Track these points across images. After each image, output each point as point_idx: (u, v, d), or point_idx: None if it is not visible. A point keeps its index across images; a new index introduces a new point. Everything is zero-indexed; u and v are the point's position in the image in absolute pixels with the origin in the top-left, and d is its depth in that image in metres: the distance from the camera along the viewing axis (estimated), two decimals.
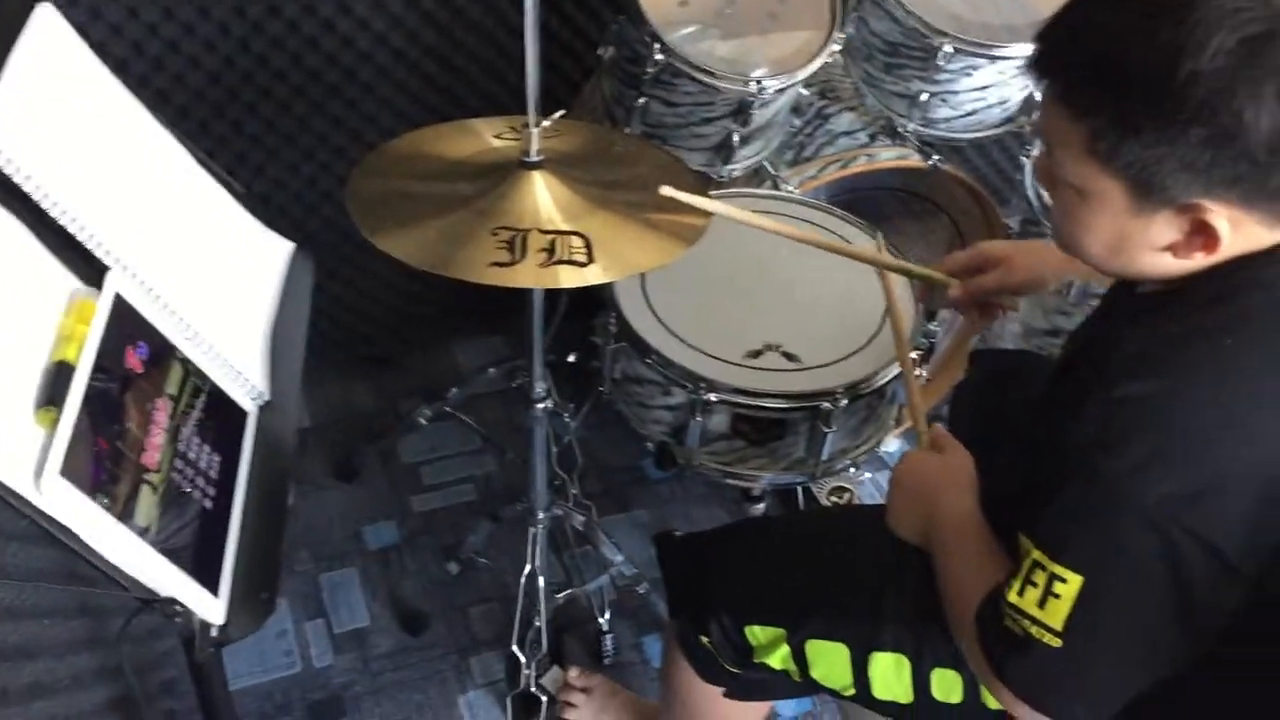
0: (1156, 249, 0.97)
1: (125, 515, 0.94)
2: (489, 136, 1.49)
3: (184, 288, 1.16)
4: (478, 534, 1.95)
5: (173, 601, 0.97)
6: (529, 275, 1.28)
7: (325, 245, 2.19)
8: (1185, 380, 0.93)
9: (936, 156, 2.00)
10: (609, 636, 1.92)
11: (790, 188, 1.94)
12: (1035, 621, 0.97)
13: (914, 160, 1.99)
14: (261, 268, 1.33)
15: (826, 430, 1.57)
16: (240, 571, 1.04)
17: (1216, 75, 0.86)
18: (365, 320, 2.36)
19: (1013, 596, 0.98)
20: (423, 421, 2.17)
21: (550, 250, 1.31)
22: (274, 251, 1.36)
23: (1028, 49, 1.81)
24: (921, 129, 2.00)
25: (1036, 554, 0.97)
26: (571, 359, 2.11)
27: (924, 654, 1.25)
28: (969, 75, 1.90)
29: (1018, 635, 0.98)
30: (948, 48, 1.84)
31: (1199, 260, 0.96)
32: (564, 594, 1.84)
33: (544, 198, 1.36)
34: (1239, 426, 0.92)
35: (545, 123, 1.39)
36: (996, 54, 1.86)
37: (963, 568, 1.13)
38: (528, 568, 1.74)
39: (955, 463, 1.25)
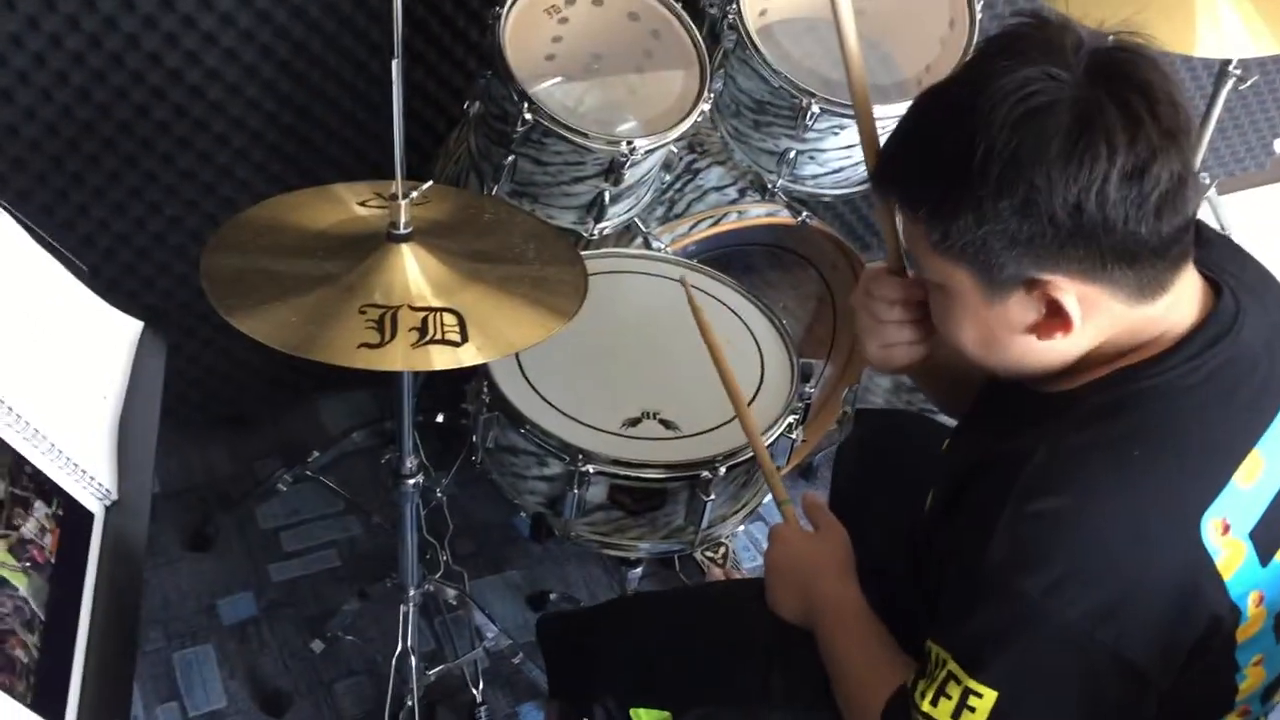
0: (1020, 332, 0.98)
1: None
2: (353, 204, 1.43)
3: (19, 380, 1.06)
4: (344, 612, 1.86)
5: None
6: (400, 357, 1.22)
7: (178, 303, 2.08)
8: (1096, 494, 0.93)
9: (806, 213, 2.01)
10: (483, 708, 1.86)
11: (662, 245, 1.92)
12: None
13: (784, 217, 2.00)
14: (107, 352, 1.23)
15: (706, 499, 1.54)
16: (87, 701, 0.95)
17: (1005, 148, 0.89)
18: (220, 379, 2.24)
19: (926, 706, 0.98)
20: (282, 487, 2.07)
21: (422, 329, 1.25)
22: (121, 333, 1.27)
23: (892, 110, 1.85)
24: (790, 185, 2.01)
25: (952, 666, 0.96)
26: (440, 419, 2.05)
27: None
28: (835, 134, 1.92)
29: None
30: (815, 108, 1.85)
31: (1062, 342, 0.97)
32: (437, 670, 1.77)
33: (414, 272, 1.30)
34: (1149, 539, 0.93)
35: (414, 194, 1.33)
36: None
37: (855, 661, 1.13)
38: (399, 647, 1.66)
39: (829, 545, 1.26)
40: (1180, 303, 0.98)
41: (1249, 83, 2.06)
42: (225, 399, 2.28)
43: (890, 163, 1.03)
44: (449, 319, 1.27)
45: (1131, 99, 0.90)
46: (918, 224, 0.98)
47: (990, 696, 0.94)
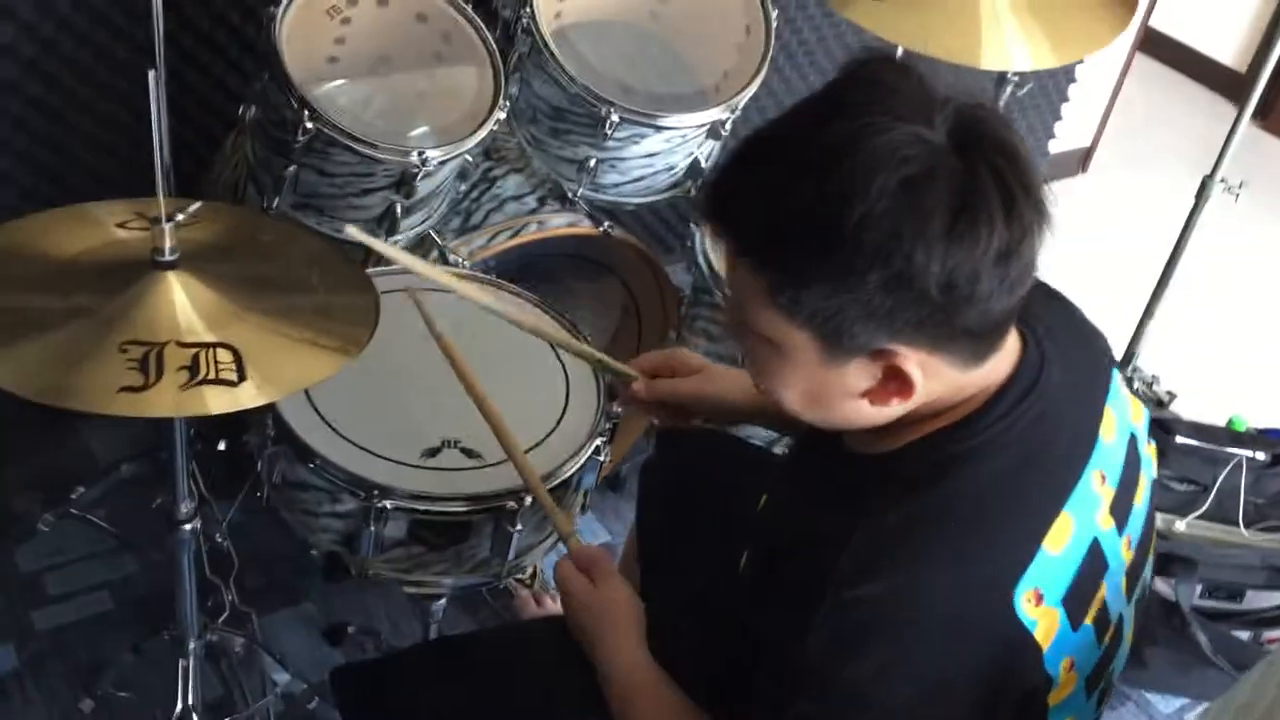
0: (853, 396, 0.94)
1: None
2: (110, 225, 1.28)
3: None
4: (117, 666, 1.70)
5: None
6: (167, 401, 1.11)
7: None
8: (912, 578, 0.91)
9: (608, 223, 1.96)
10: None
11: (459, 259, 1.83)
12: None
13: (586, 227, 1.94)
14: None
15: (513, 530, 1.47)
16: None
17: (883, 218, 0.84)
18: None
19: None
20: (44, 528, 1.89)
21: (193, 368, 1.13)
22: None
23: (693, 119, 1.82)
24: (591, 194, 1.96)
25: None
26: (221, 447, 1.90)
27: None
28: (636, 143, 1.87)
29: None
30: (614, 116, 1.80)
31: (895, 406, 0.94)
32: None
33: (183, 303, 1.18)
34: (967, 619, 0.91)
35: (180, 216, 1.21)
36: (662, 124, 1.84)
37: None
38: (179, 706, 1.53)
39: (611, 597, 1.19)
40: (998, 360, 0.96)
41: (1025, 89, 2.13)
42: None
43: (731, 205, 0.93)
44: (223, 355, 1.15)
45: (1004, 171, 0.86)
46: (757, 278, 0.91)
47: None
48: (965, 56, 1.79)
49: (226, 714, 1.69)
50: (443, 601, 1.70)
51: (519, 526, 1.48)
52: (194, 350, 1.14)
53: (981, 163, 0.86)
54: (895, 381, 0.92)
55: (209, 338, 1.16)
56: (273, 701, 1.72)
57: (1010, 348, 0.97)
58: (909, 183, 0.84)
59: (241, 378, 1.14)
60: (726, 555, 1.19)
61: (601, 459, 1.60)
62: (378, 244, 1.36)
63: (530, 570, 2.03)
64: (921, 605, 0.90)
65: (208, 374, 1.13)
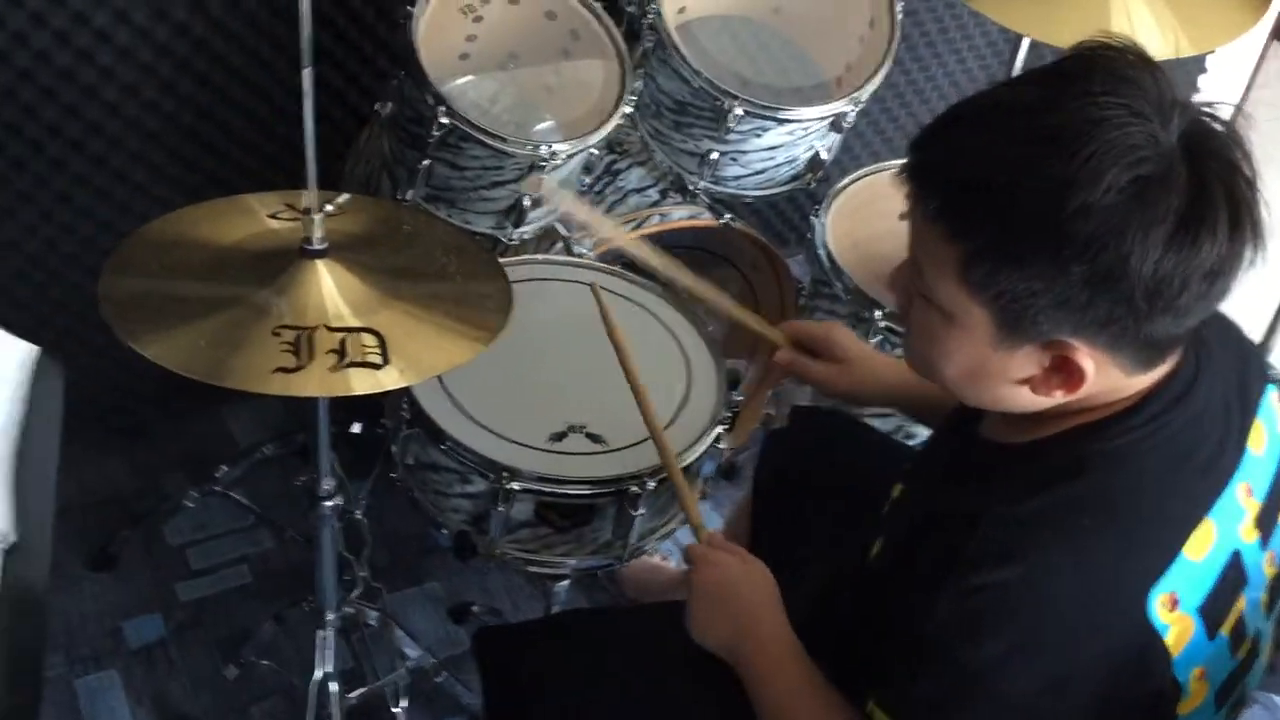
0: (1013, 381, 0.94)
1: None
2: (263, 215, 1.36)
3: None
4: (258, 636, 1.79)
5: None
6: (317, 382, 1.17)
7: (70, 311, 1.98)
8: (1044, 568, 0.90)
9: (728, 215, 1.98)
10: None
11: (584, 250, 1.88)
12: None
13: (706, 219, 1.97)
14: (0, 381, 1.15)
15: (634, 513, 1.51)
16: None
17: (1107, 213, 0.83)
18: (119, 389, 2.14)
19: None
20: (189, 504, 1.99)
21: (341, 351, 1.19)
22: (14, 360, 1.18)
23: (815, 111, 1.82)
24: (711, 186, 1.98)
25: None
26: (356, 429, 1.98)
27: None
28: (758, 136, 1.89)
29: None
30: (738, 109, 1.82)
31: (1055, 397, 0.93)
32: (358, 693, 1.71)
33: (331, 290, 1.25)
34: (1097, 616, 0.91)
35: (329, 207, 1.27)
36: (784, 116, 1.86)
37: (790, 705, 1.10)
38: (318, 673, 1.60)
39: (757, 575, 1.20)
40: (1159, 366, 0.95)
41: None
42: (125, 410, 2.18)
43: (941, 167, 0.90)
44: (368, 340, 1.21)
45: (1234, 187, 0.85)
46: (952, 246, 0.89)
47: None
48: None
49: (357, 685, 1.76)
50: (566, 582, 1.74)
51: (641, 510, 1.52)
52: (341, 335, 1.21)
53: (1212, 174, 0.85)
54: (1062, 374, 0.92)
55: (355, 323, 1.23)
56: (402, 675, 1.79)
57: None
58: (1142, 183, 0.83)
59: (385, 361, 1.20)
60: (851, 539, 1.21)
61: (721, 447, 1.63)
62: (573, 203, 1.37)
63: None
64: (1051, 595, 0.90)
65: (354, 357, 1.19)
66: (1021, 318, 0.89)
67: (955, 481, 1.02)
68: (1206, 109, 0.89)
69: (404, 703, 1.80)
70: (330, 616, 1.60)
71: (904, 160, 0.95)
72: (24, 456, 1.11)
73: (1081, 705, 0.90)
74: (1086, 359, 0.90)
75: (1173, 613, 0.91)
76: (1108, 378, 0.92)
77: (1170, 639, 0.91)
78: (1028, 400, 0.95)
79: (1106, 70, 0.88)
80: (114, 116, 1.81)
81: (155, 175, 1.91)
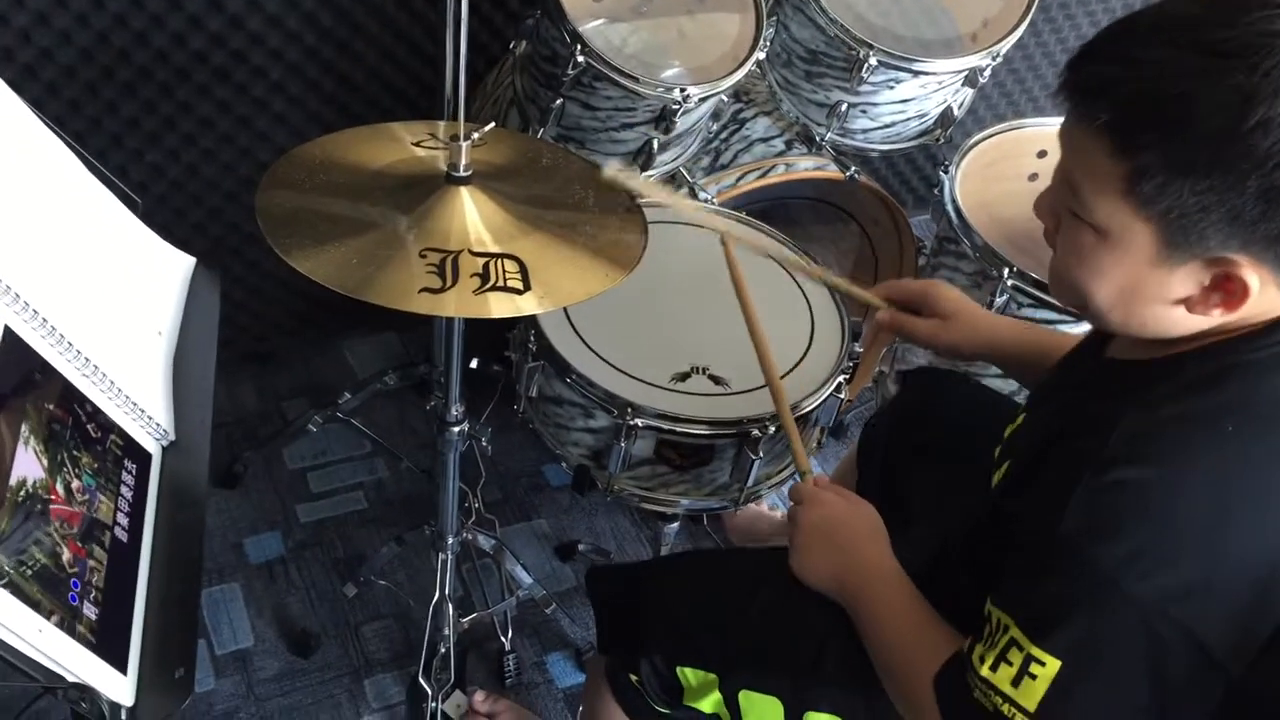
0: (1170, 302, 0.93)
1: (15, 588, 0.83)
2: (408, 143, 1.39)
3: (78, 317, 1.03)
4: (378, 557, 1.84)
5: (79, 687, 0.86)
6: (460, 303, 1.19)
7: (209, 237, 2.05)
8: (1184, 469, 0.89)
9: (854, 168, 1.97)
10: (511, 656, 1.85)
11: (708, 196, 1.88)
12: (1008, 699, 0.94)
13: (832, 171, 1.96)
14: (162, 288, 1.20)
15: (754, 457, 1.52)
16: (150, 645, 0.93)
17: None
18: (249, 315, 2.22)
19: (985, 671, 0.95)
20: (313, 429, 2.05)
21: (484, 275, 1.22)
22: (175, 269, 1.23)
23: (952, 64, 1.80)
24: (838, 138, 1.97)
25: (1015, 632, 0.94)
26: (473, 365, 2.02)
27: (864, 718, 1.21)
28: (891, 88, 1.87)
29: (987, 710, 0.95)
30: (873, 60, 1.80)
31: (1213, 316, 0.92)
32: (470, 618, 1.76)
33: (474, 216, 1.27)
34: (1236, 521, 0.89)
35: (475, 135, 1.29)
36: (919, 68, 1.83)
37: (901, 630, 1.10)
38: (436, 595, 1.65)
39: (865, 511, 1.21)
40: None
41: None
42: (254, 335, 2.25)
43: (1120, 80, 0.88)
44: (510, 266, 1.24)
45: None
46: (1117, 162, 0.88)
47: (1053, 666, 0.91)
48: None
49: (468, 612, 1.80)
50: (675, 525, 1.77)
51: (760, 454, 1.52)
52: (485, 260, 1.23)
53: None
54: (1224, 292, 0.90)
55: (496, 249, 1.25)
56: (512, 605, 1.83)
57: None
58: None
59: (526, 287, 1.22)
60: (963, 498, 1.20)
61: (841, 397, 1.63)
62: (632, 180, 1.40)
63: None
64: (1191, 497, 0.89)
65: (497, 281, 1.21)
66: (1189, 233, 0.88)
67: (1085, 397, 1.01)
68: None
69: (511, 633, 1.85)
70: (450, 541, 1.64)
71: (1064, 74, 0.93)
72: (181, 361, 1.16)
73: (1214, 614, 0.89)
74: (1251, 275, 0.89)
75: None
76: (1265, 296, 0.91)
77: None
78: (1179, 321, 0.94)
79: None
80: (257, 45, 1.86)
81: (293, 105, 1.95)
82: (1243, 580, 0.90)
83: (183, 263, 1.25)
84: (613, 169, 1.37)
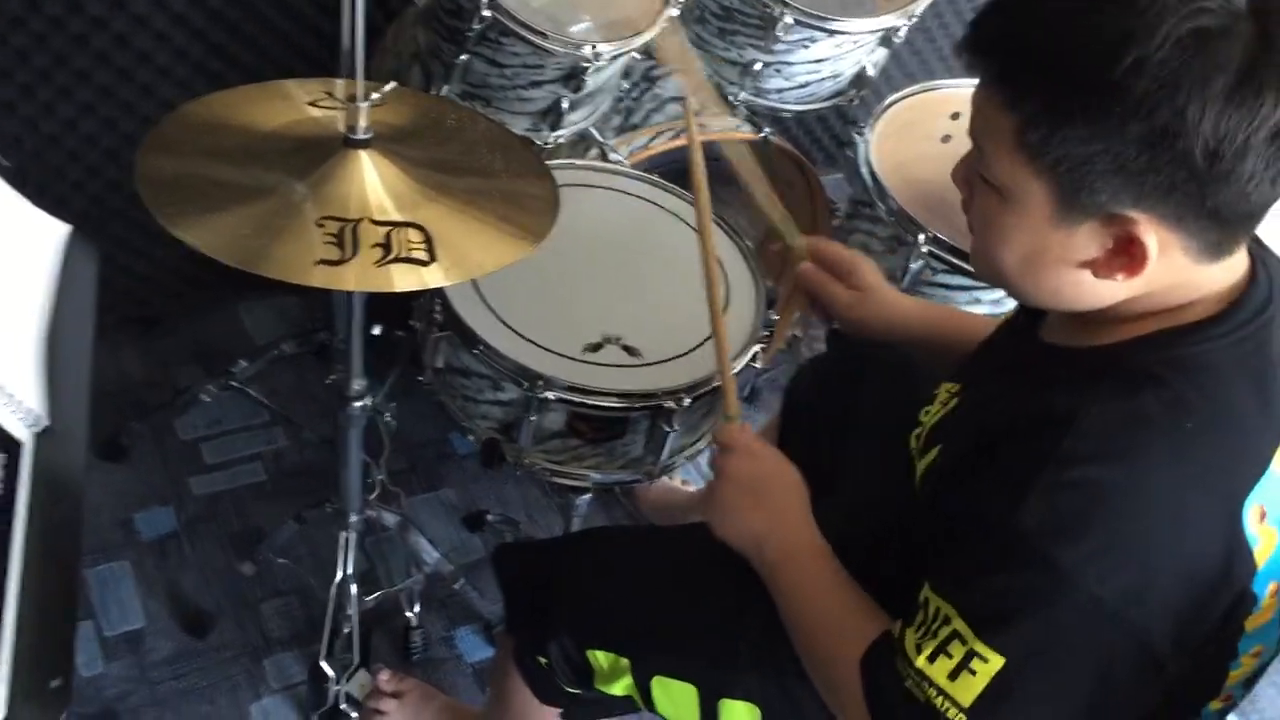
0: (1075, 264, 0.91)
1: None
2: (302, 102, 1.30)
3: None
4: (277, 536, 1.77)
5: None
6: (360, 276, 1.13)
7: (87, 195, 1.92)
8: (1144, 467, 0.87)
9: (768, 129, 1.93)
10: (418, 632, 1.80)
11: (619, 157, 1.83)
12: (942, 692, 0.91)
13: (746, 132, 1.92)
14: (32, 259, 1.11)
15: (669, 430, 1.48)
16: (22, 653, 0.86)
17: (1162, 66, 0.80)
18: (134, 278, 2.10)
19: (920, 661, 0.93)
20: (205, 398, 1.96)
21: (385, 245, 1.15)
22: (46, 238, 1.14)
23: (868, 24, 1.76)
24: (752, 98, 1.93)
25: (959, 625, 0.91)
26: (376, 331, 1.94)
27: (779, 708, 1.18)
28: (805, 47, 1.83)
29: (918, 700, 0.93)
30: (788, 18, 1.76)
31: (1118, 283, 0.91)
32: (374, 596, 1.70)
33: (374, 182, 1.20)
34: (1193, 521, 0.88)
35: (375, 96, 1.22)
36: (834, 28, 1.80)
37: (825, 609, 1.07)
38: (339, 575, 1.58)
39: (792, 473, 1.17)
40: (1228, 269, 0.92)
41: None
42: (138, 299, 2.13)
43: (1003, 31, 0.88)
44: (413, 235, 1.17)
45: None
46: (1009, 115, 0.87)
47: (997, 662, 0.89)
48: None
49: (373, 589, 1.74)
50: (588, 496, 1.72)
51: (675, 427, 1.49)
52: (386, 229, 1.16)
53: (1277, 33, 0.81)
54: (1125, 255, 0.89)
55: (399, 217, 1.18)
56: (418, 580, 1.77)
57: (1240, 263, 0.94)
58: (1200, 35, 0.80)
59: (431, 258, 1.16)
60: (889, 461, 1.18)
61: (758, 367, 1.59)
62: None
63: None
64: (1151, 496, 0.87)
65: (400, 252, 1.15)
66: (1080, 188, 0.86)
67: (1029, 385, 0.98)
68: None
69: (418, 608, 1.80)
70: (353, 519, 1.58)
71: (965, 32, 0.92)
72: (57, 339, 1.07)
73: (1167, 616, 0.88)
74: (1150, 234, 0.87)
75: (1262, 524, 0.90)
76: (1173, 264, 0.90)
77: (1258, 550, 0.90)
78: (1090, 290, 0.92)
79: None
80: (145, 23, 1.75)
81: (179, 58, 1.84)
82: (1196, 582, 0.89)
83: (55, 231, 1.15)
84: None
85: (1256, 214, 0.89)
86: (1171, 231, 0.87)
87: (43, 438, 1.00)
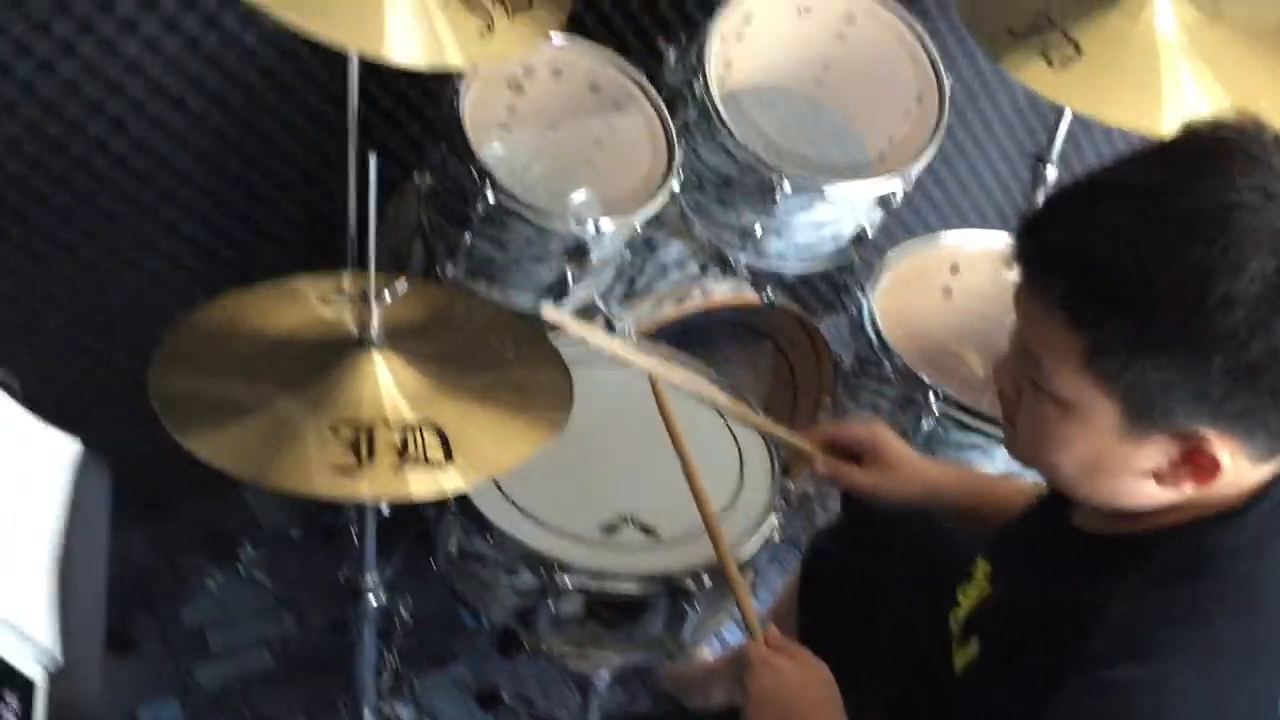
0: (1139, 474, 0.89)
1: None
2: (313, 300, 1.30)
3: None
4: None
5: None
6: (374, 483, 1.11)
7: (92, 380, 1.92)
8: (1175, 666, 0.85)
9: (769, 289, 1.94)
10: None
11: (625, 325, 1.83)
12: None
13: (749, 296, 1.92)
14: (42, 482, 1.09)
15: (689, 610, 1.45)
16: None
17: (1254, 303, 0.79)
18: (136, 459, 2.06)
19: None
20: (211, 585, 1.91)
21: (403, 449, 1.13)
22: (55, 458, 1.12)
23: (865, 188, 1.78)
24: (753, 260, 1.93)
25: None
26: (385, 512, 1.91)
27: None
28: (804, 211, 1.85)
29: None
30: (786, 186, 1.77)
31: (1184, 491, 0.88)
32: None
33: (387, 383, 1.19)
34: (1223, 713, 0.86)
35: (387, 294, 1.22)
36: (832, 193, 1.81)
37: None
38: None
39: (820, 677, 1.13)
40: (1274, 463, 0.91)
41: None
42: (141, 483, 2.09)
43: (1072, 251, 0.85)
44: (430, 437, 1.16)
45: None
46: (1076, 335, 0.84)
47: None
48: (1145, 124, 1.73)
49: None
50: (607, 677, 1.67)
51: (696, 609, 1.45)
52: (402, 432, 1.15)
53: None
54: (1194, 465, 0.87)
55: (413, 417, 1.17)
56: None
57: None
58: None
59: (448, 458, 1.14)
60: (924, 640, 1.15)
61: (776, 540, 1.57)
62: (570, 322, 1.34)
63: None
64: (1184, 697, 0.85)
65: (417, 455, 1.13)
66: (1154, 408, 0.84)
67: (1061, 576, 0.96)
68: None
69: None
70: (368, 714, 1.53)
71: (1015, 241, 0.90)
72: (69, 566, 1.05)
73: None
74: (1221, 450, 0.85)
75: None
76: (1236, 469, 0.88)
77: None
78: (1150, 494, 0.90)
79: (1234, 150, 0.83)
80: (145, 186, 1.77)
81: (188, 247, 1.86)
82: None
83: (66, 449, 1.13)
84: (552, 311, 1.31)
85: None
86: (1240, 444, 0.86)
87: (56, 679, 0.97)
